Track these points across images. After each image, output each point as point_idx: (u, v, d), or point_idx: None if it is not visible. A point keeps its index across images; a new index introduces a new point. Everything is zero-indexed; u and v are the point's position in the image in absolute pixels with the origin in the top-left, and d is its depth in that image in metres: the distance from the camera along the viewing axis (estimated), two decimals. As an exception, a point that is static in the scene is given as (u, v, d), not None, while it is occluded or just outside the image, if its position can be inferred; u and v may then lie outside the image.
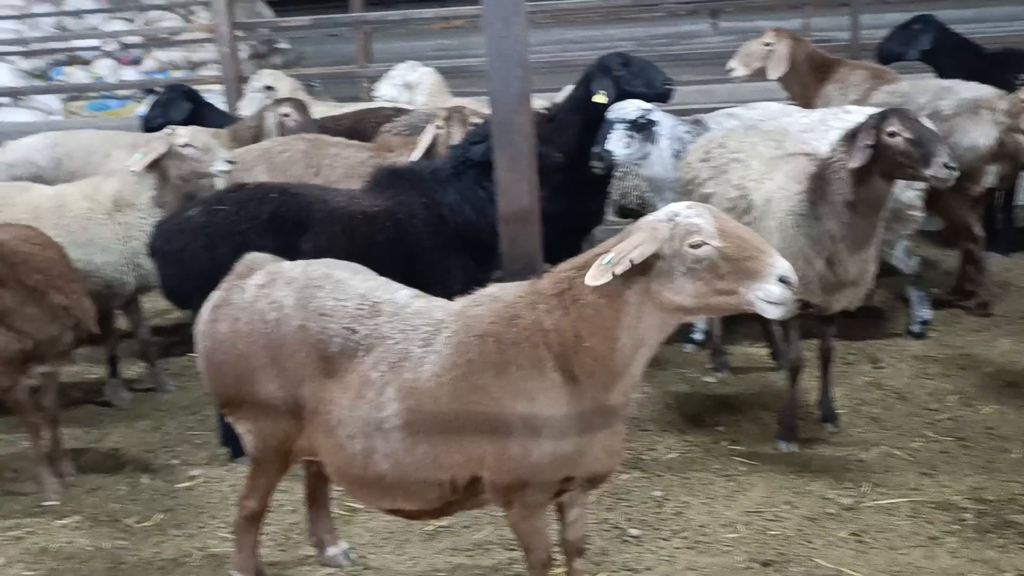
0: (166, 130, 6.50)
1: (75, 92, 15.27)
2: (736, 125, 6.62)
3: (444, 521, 5.07)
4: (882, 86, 7.65)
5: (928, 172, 4.84)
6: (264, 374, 4.10)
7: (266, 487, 4.47)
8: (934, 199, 7.02)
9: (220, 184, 6.32)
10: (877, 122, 4.91)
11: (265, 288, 4.17)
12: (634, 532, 4.93)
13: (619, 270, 3.43)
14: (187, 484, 5.73)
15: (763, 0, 19.94)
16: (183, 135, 6.30)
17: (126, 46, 15.18)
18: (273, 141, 7.09)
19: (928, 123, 5.51)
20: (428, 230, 5.53)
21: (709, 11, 20.82)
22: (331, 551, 4.85)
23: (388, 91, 9.24)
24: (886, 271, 7.03)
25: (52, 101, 15.78)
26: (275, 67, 15.77)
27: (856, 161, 4.92)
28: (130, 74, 15.51)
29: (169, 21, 15.47)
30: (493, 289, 3.97)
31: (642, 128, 6.58)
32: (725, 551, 4.74)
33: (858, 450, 5.54)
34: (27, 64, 15.89)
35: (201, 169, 6.31)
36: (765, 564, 4.58)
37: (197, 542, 5.13)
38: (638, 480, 5.42)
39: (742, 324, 7.26)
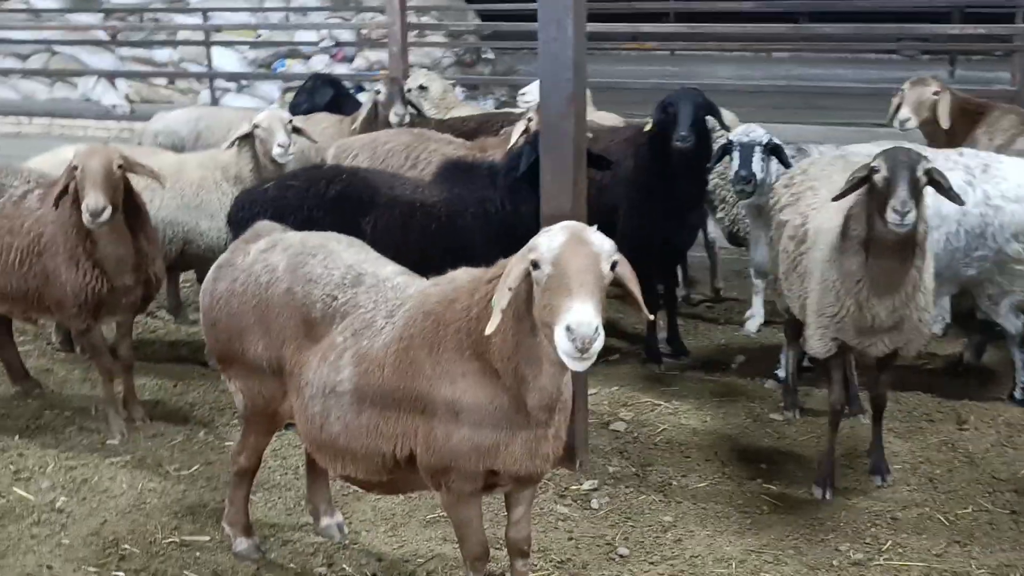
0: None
1: (287, 81, 16.27)
2: (828, 154, 6.32)
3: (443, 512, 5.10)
4: (1028, 131, 7.12)
5: (886, 215, 4.51)
6: (252, 333, 4.26)
7: (255, 446, 4.64)
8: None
9: (291, 165, 6.58)
10: (874, 158, 4.62)
11: (265, 252, 4.34)
12: (623, 551, 4.80)
13: (503, 304, 3.38)
14: (234, 443, 5.98)
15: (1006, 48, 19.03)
16: (259, 118, 6.61)
17: (339, 43, 16.02)
18: (381, 132, 7.36)
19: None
20: (476, 224, 5.59)
21: (948, 58, 20.19)
22: (325, 522, 4.97)
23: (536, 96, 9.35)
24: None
25: (273, 90, 16.89)
26: (479, 75, 16.38)
27: (836, 194, 4.74)
28: (342, 70, 16.35)
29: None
30: (460, 271, 3.96)
31: (772, 152, 6.41)
32: (706, 584, 4.55)
33: (897, 508, 5.16)
34: (253, 54, 17.06)
35: (268, 150, 6.60)
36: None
37: (218, 495, 5.35)
38: (654, 503, 5.26)
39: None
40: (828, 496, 5.25)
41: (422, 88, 9.45)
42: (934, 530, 4.96)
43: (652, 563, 4.72)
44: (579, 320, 3.11)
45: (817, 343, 5.09)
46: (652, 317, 3.86)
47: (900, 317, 4.79)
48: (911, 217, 4.41)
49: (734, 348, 7.51)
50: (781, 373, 6.68)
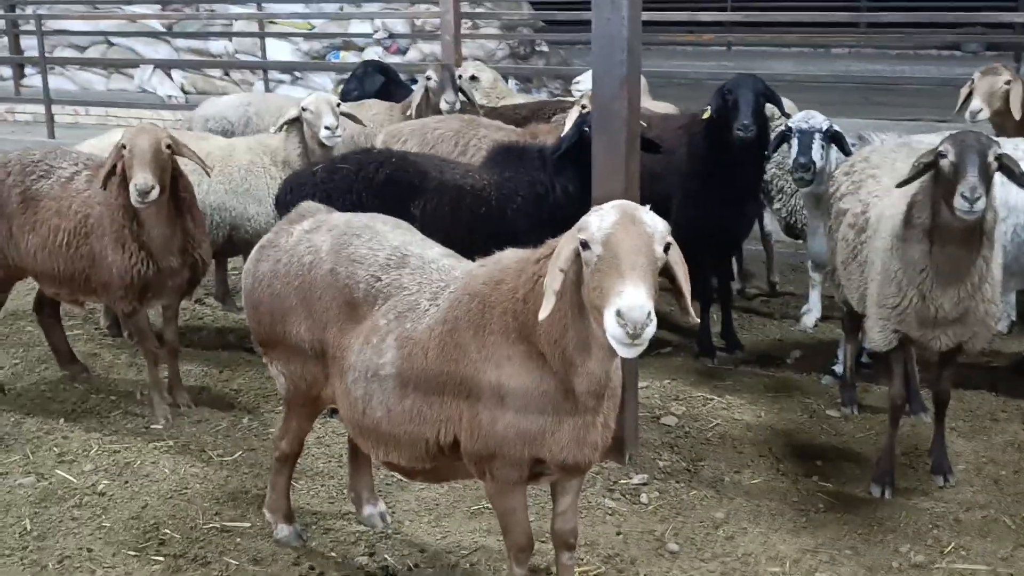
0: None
1: (337, 72, 16.21)
2: (892, 141, 6.10)
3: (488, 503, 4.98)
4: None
5: (952, 201, 4.29)
6: (295, 315, 4.16)
7: (297, 431, 4.54)
8: None
9: (341, 148, 6.49)
10: (941, 142, 4.40)
11: (309, 233, 4.24)
12: (673, 547, 4.64)
13: (556, 286, 3.22)
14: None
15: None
16: (306, 101, 6.54)
17: (393, 36, 15.95)
18: (430, 118, 7.26)
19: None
20: (527, 208, 5.47)
21: (1013, 55, 19.77)
22: (368, 510, 4.86)
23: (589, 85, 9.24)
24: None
25: (327, 82, 16.85)
26: (533, 67, 16.22)
27: (901, 180, 4.53)
28: (395, 61, 16.27)
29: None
30: (506, 252, 3.82)
31: (832, 139, 6.21)
32: (758, 583, 4.38)
33: (960, 509, 4.95)
34: (307, 46, 17.05)
35: (316, 133, 6.53)
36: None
37: (260, 481, 5.27)
38: (706, 499, 5.10)
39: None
40: (887, 495, 5.05)
41: (473, 79, 9.37)
42: (999, 533, 4.75)
43: (703, 560, 4.57)
44: (630, 304, 2.94)
45: (878, 335, 4.89)
46: (697, 320, 3.64)
47: (965, 309, 4.57)
48: (981, 204, 4.20)
49: (789, 343, 7.30)
50: (838, 369, 6.47)
